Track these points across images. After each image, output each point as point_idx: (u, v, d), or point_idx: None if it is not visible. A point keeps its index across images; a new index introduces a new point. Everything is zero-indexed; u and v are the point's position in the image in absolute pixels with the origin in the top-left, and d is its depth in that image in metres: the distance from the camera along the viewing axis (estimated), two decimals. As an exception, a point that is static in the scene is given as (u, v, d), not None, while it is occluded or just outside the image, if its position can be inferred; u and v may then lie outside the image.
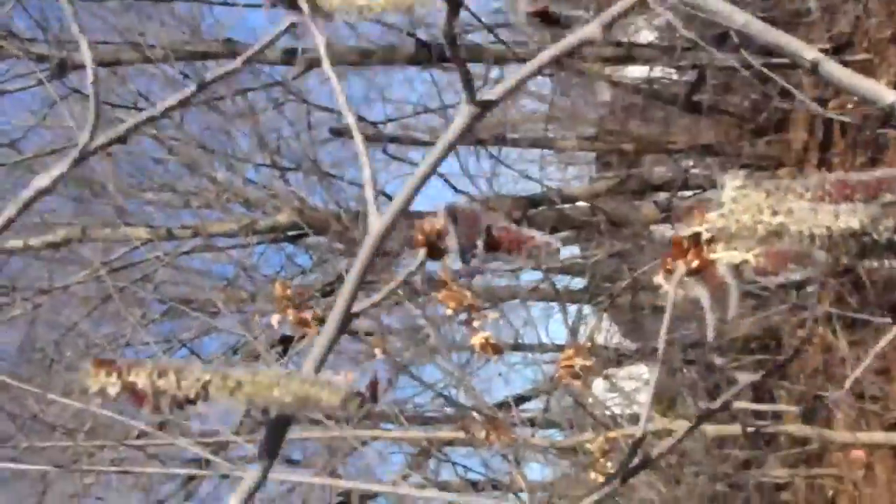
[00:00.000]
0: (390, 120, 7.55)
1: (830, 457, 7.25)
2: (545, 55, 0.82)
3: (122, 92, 7.91)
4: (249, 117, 7.69)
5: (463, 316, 3.16)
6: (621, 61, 7.75)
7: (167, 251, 7.83)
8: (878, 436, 5.71)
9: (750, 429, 5.93)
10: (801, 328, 7.64)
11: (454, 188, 7.86)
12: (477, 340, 3.18)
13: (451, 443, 7.11)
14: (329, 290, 8.16)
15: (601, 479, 3.75)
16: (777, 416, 7.15)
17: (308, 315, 2.84)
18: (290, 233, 8.17)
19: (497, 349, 3.26)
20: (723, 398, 1.22)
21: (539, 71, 0.85)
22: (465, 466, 6.93)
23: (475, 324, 3.17)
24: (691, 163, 8.23)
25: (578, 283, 9.12)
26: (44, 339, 7.76)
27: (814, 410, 7.26)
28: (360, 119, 7.36)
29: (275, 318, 2.85)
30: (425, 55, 7.25)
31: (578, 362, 3.27)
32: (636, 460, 1.01)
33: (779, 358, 8.10)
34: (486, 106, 0.87)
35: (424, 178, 0.80)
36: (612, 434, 3.41)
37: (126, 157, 8.38)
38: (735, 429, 5.84)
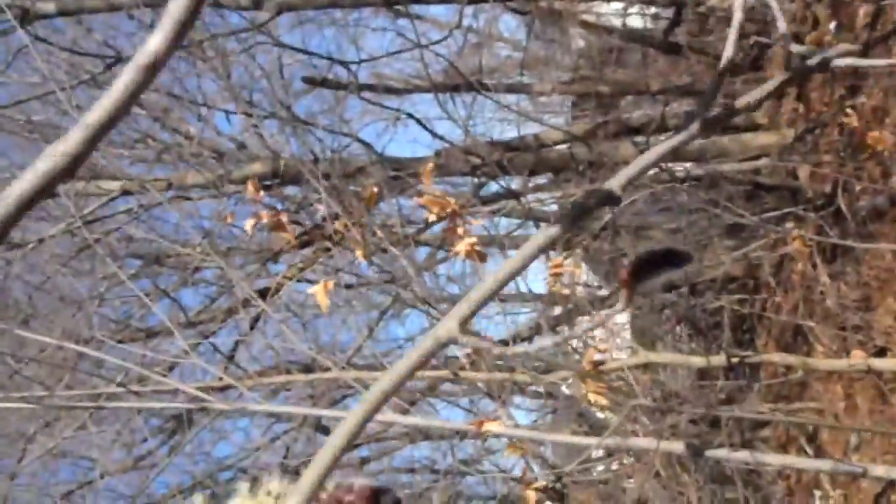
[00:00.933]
0: (363, 60, 7.42)
1: (811, 392, 7.28)
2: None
3: (89, 43, 7.74)
4: (220, 64, 7.54)
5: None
6: (597, -2, 7.67)
7: (141, 204, 7.69)
8: (861, 364, 5.69)
9: (734, 359, 5.92)
10: (781, 265, 7.66)
11: (432, 133, 7.77)
12: (462, 246, 3.11)
13: (434, 389, 7.11)
14: (306, 241, 8.07)
15: (593, 396, 3.72)
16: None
17: (283, 217, 2.77)
18: (265, 182, 8.04)
19: (482, 256, 3.20)
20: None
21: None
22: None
23: (459, 230, 3.10)
24: (669, 104, 8.17)
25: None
26: (17, 294, 7.63)
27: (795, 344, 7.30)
28: (334, 61, 7.25)
29: (249, 223, 2.76)
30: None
31: (567, 269, 3.21)
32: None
33: (758, 297, 8.13)
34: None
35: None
36: (602, 347, 3.36)
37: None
38: (720, 360, 5.84)
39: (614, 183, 0.60)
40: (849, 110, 5.39)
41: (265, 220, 2.72)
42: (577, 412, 8.29)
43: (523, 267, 0.53)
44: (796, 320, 6.89)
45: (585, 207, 0.55)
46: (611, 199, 0.60)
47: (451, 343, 0.52)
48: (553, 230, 0.52)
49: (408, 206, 7.43)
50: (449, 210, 3.06)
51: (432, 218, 3.07)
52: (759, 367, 7.77)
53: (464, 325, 0.51)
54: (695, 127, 0.63)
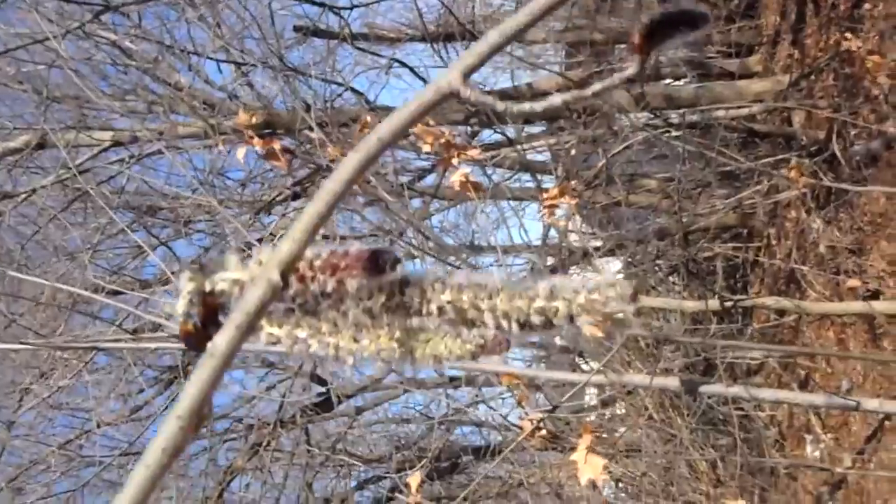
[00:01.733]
0: (355, 6, 7.34)
1: (803, 338, 7.32)
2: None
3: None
4: (210, 13, 7.46)
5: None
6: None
7: (132, 154, 7.64)
8: (855, 305, 5.74)
9: (728, 303, 5.95)
10: (775, 212, 7.66)
11: (425, 82, 7.71)
12: (456, 178, 3.10)
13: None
14: (298, 192, 8.05)
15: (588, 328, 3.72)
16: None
17: (276, 145, 2.74)
18: (258, 133, 7.99)
19: (477, 187, 3.19)
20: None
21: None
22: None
23: (453, 161, 3.09)
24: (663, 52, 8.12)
25: (550, 180, 9.07)
26: (10, 245, 7.61)
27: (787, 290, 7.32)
28: (326, 7, 7.16)
29: (240, 151, 2.74)
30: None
31: (563, 201, 3.20)
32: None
33: (752, 244, 8.14)
34: None
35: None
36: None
37: (85, 64, 8.15)
38: (714, 304, 5.86)
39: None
40: (847, 34, 5.35)
41: (258, 147, 2.69)
42: (571, 362, 8.34)
43: (530, 24, 0.51)
44: (790, 265, 6.90)
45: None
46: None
47: (453, 95, 0.51)
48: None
49: (402, 156, 7.40)
50: (443, 140, 3.05)
51: (426, 149, 3.05)
52: (751, 315, 7.80)
53: (467, 76, 0.50)
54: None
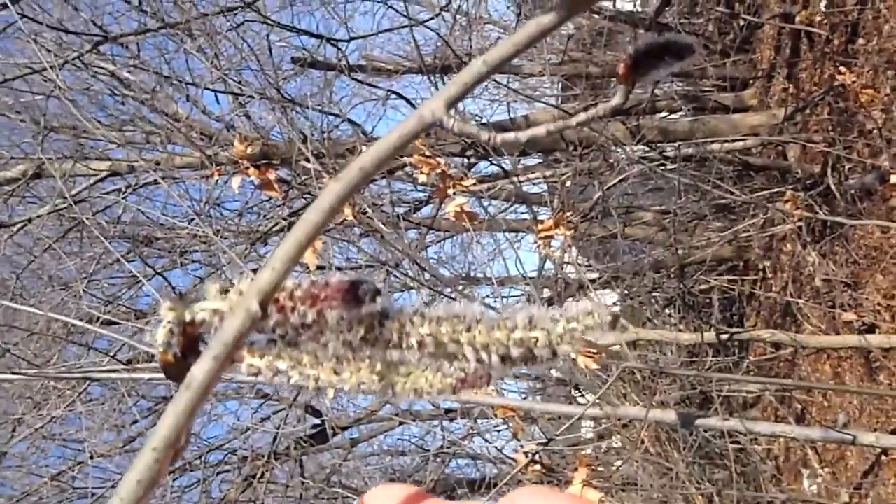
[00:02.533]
0: (353, 38, 7.38)
1: (799, 371, 7.31)
2: None
3: (76, 21, 7.69)
4: (209, 44, 7.50)
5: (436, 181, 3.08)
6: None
7: (129, 184, 7.65)
8: (851, 339, 5.72)
9: (724, 336, 5.94)
10: (771, 245, 7.67)
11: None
12: (452, 208, 3.10)
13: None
14: (295, 222, 8.04)
15: (583, 360, 3.71)
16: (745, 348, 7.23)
17: (271, 175, 2.74)
18: (254, 163, 8.01)
19: (471, 216, 3.19)
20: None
21: None
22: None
23: (449, 192, 3.09)
24: (658, 85, 8.16)
25: (546, 212, 9.10)
26: (5, 275, 7.59)
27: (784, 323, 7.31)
28: (323, 39, 7.21)
29: (236, 181, 2.74)
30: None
31: (558, 233, 3.20)
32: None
33: (747, 277, 8.15)
34: None
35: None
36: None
37: (83, 94, 8.19)
38: (710, 336, 5.85)
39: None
40: (841, 68, 5.39)
41: (253, 177, 2.69)
42: (567, 395, 8.30)
43: (514, 54, 0.51)
44: (786, 299, 6.90)
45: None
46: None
47: (437, 124, 0.51)
48: (547, 19, 0.50)
49: (398, 187, 7.42)
50: (439, 170, 3.05)
51: (423, 178, 3.05)
52: (748, 348, 7.79)
53: (451, 106, 0.50)
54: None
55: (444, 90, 0.50)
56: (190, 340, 0.52)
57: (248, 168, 2.69)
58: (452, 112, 0.50)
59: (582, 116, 0.55)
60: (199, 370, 0.46)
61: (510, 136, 0.54)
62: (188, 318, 0.52)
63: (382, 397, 0.56)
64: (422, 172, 2.96)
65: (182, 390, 0.45)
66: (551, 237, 3.13)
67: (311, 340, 0.54)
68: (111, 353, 5.62)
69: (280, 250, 0.47)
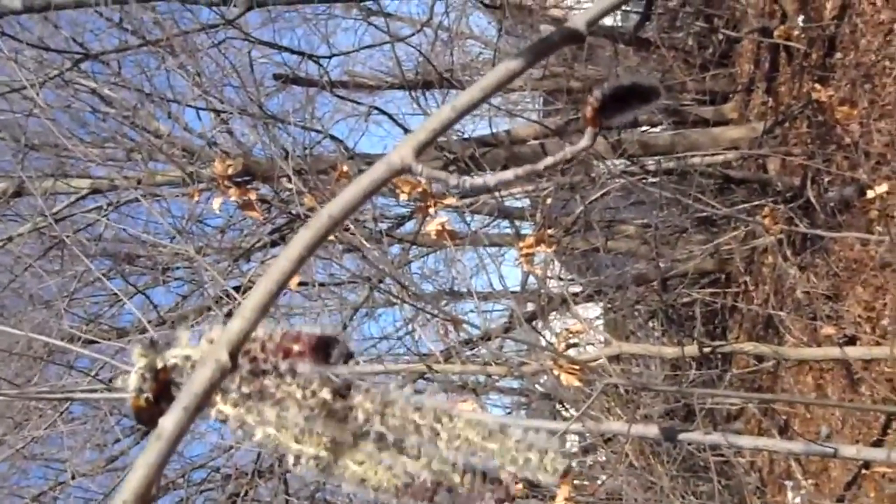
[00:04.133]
0: (334, 55, 7.40)
1: (782, 383, 7.34)
2: None
3: (56, 39, 7.67)
4: (190, 61, 7.50)
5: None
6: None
7: (111, 202, 7.62)
8: (832, 351, 5.75)
9: (706, 349, 5.96)
10: (752, 258, 7.71)
11: (404, 129, 7.77)
12: (433, 227, 3.10)
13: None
14: (279, 238, 8.04)
15: (566, 378, 3.72)
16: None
17: (252, 196, 2.74)
18: (236, 180, 7.98)
19: (453, 235, 3.20)
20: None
21: None
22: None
23: (430, 210, 3.10)
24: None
25: (529, 226, 9.11)
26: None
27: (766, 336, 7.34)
28: (305, 56, 7.22)
29: (216, 201, 2.73)
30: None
31: (539, 250, 3.21)
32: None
33: (729, 290, 8.18)
34: None
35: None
36: (575, 328, 3.36)
37: (64, 111, 8.15)
38: (693, 349, 5.86)
39: (579, 20, 0.59)
40: (817, 85, 5.44)
41: (233, 198, 2.69)
42: (552, 409, 8.31)
43: (482, 99, 0.52)
44: (767, 311, 6.93)
45: (549, 42, 0.54)
46: (575, 37, 0.59)
47: (405, 171, 0.51)
48: (514, 63, 0.51)
49: (381, 203, 7.41)
50: (420, 189, 3.06)
51: (404, 197, 3.05)
52: (731, 360, 7.81)
53: (419, 152, 0.50)
54: None
55: (413, 136, 0.50)
56: (162, 386, 0.52)
57: (228, 188, 2.69)
58: (421, 158, 0.51)
59: (549, 160, 0.55)
60: (170, 421, 0.46)
61: (479, 180, 0.54)
62: (160, 364, 0.53)
63: (327, 479, 0.57)
64: (402, 192, 2.97)
65: (152, 441, 0.46)
66: (533, 254, 3.13)
67: (278, 405, 0.54)
68: (92, 373, 5.58)
69: (250, 300, 0.48)
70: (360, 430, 0.57)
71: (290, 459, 0.57)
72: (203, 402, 0.46)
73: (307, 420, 0.56)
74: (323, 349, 0.53)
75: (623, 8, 8.51)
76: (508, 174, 0.55)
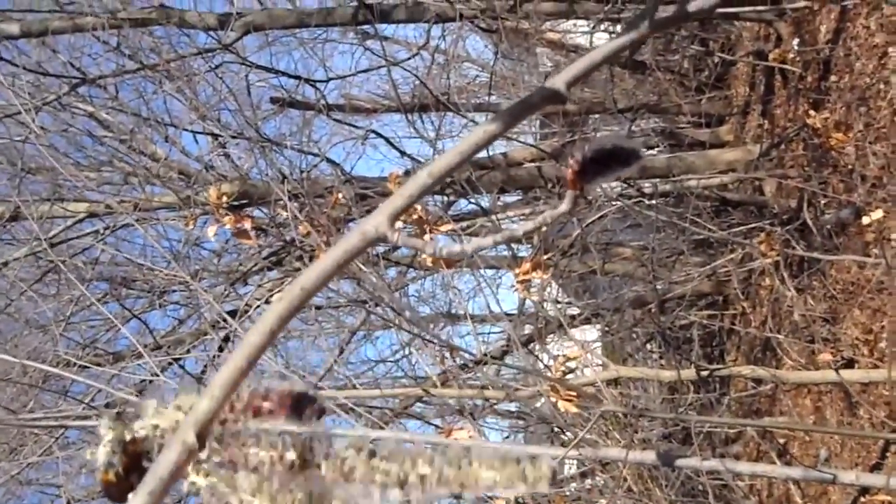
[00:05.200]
0: (331, 79, 7.42)
1: (780, 406, 7.31)
2: None
3: (54, 63, 7.69)
4: (187, 85, 7.51)
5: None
6: (563, 16, 7.73)
7: (108, 226, 7.62)
8: (829, 374, 5.73)
9: (704, 373, 5.94)
10: (749, 280, 7.70)
11: (401, 152, 7.78)
12: (428, 254, 3.09)
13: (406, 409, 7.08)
14: (275, 262, 8.03)
15: (563, 404, 3.70)
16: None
17: (247, 224, 2.73)
18: (233, 203, 7.99)
19: (448, 262, 3.19)
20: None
21: None
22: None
23: (426, 237, 3.09)
24: (635, 121, 8.23)
25: (526, 249, 9.10)
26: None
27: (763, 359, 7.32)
28: (301, 80, 7.24)
29: (211, 229, 2.72)
30: (365, 16, 7.14)
31: (536, 276, 3.20)
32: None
33: (727, 312, 8.17)
34: None
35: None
36: (572, 354, 3.34)
37: (61, 135, 8.16)
38: (690, 373, 5.85)
39: (559, 80, 0.58)
40: (811, 111, 5.45)
41: (228, 226, 2.68)
42: (550, 432, 8.27)
43: (460, 163, 0.51)
44: (765, 334, 6.91)
45: (528, 104, 0.53)
46: (556, 98, 0.58)
47: (380, 240, 0.50)
48: (493, 126, 0.50)
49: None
50: (416, 216, 3.05)
51: (399, 224, 3.03)
52: (729, 383, 7.79)
53: (393, 220, 0.49)
54: (645, 25, 0.60)
55: (389, 204, 0.49)
56: (132, 458, 0.51)
57: (224, 216, 2.68)
58: (397, 225, 0.50)
59: (529, 225, 0.55)
60: (135, 506, 0.45)
61: (456, 248, 0.53)
62: (128, 436, 0.51)
63: None
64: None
65: (117, 528, 0.44)
66: (530, 280, 3.13)
67: (250, 470, 0.53)
68: (87, 400, 5.55)
69: (219, 377, 0.47)
70: (343, 479, 0.55)
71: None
72: (169, 485, 0.45)
73: (280, 482, 0.55)
74: (295, 406, 0.52)
75: (619, 30, 8.54)
76: (487, 241, 0.54)
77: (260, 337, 0.46)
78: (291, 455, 0.54)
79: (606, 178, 0.57)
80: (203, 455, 0.49)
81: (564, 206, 0.56)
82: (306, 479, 0.54)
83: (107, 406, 5.64)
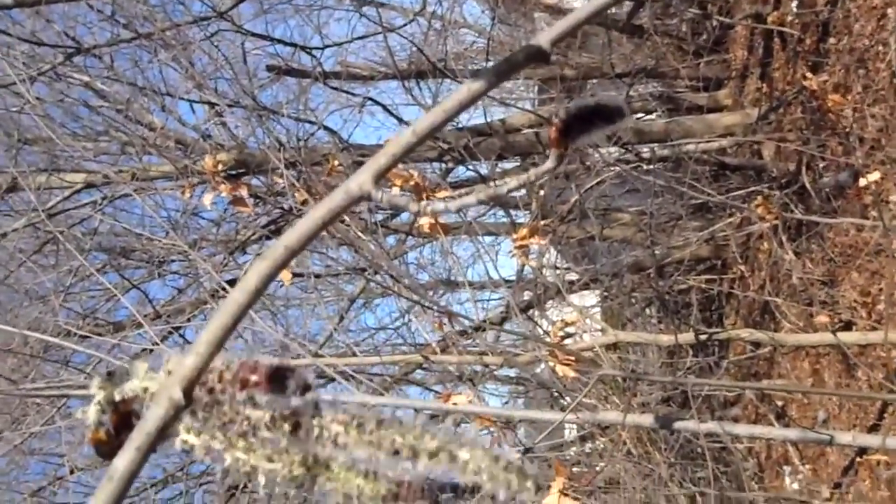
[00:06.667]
0: (327, 46, 7.38)
1: (779, 369, 7.34)
2: None
3: (48, 33, 7.63)
4: (183, 54, 7.47)
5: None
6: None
7: (105, 196, 7.60)
8: (827, 337, 5.75)
9: (703, 336, 5.96)
10: (747, 244, 7.71)
11: (399, 119, 7.75)
12: (425, 221, 3.09)
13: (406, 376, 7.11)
14: (273, 230, 8.02)
15: (561, 368, 3.71)
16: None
17: (243, 191, 2.73)
18: (230, 172, 7.97)
19: (445, 228, 3.19)
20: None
21: None
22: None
23: (422, 203, 3.08)
24: (633, 86, 8.20)
25: (524, 215, 9.10)
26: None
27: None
28: (298, 47, 7.19)
29: (207, 197, 2.72)
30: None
31: (533, 242, 3.20)
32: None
33: (725, 276, 8.18)
34: None
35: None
36: (570, 319, 3.35)
37: (57, 106, 8.13)
38: (688, 337, 5.87)
39: (543, 38, 0.58)
40: (808, 74, 5.43)
41: (225, 194, 2.68)
42: (549, 397, 8.31)
43: (444, 121, 0.51)
44: (763, 297, 6.93)
45: (513, 62, 0.53)
46: (540, 55, 0.58)
47: (364, 198, 0.50)
48: (477, 84, 0.50)
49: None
50: (412, 182, 3.05)
51: (396, 190, 3.04)
52: (727, 347, 7.82)
53: (378, 178, 0.50)
54: None
55: (373, 162, 0.50)
56: (122, 417, 0.52)
57: (220, 184, 2.68)
58: (380, 184, 0.50)
59: (513, 183, 0.55)
60: (122, 461, 0.45)
61: (440, 205, 0.54)
62: (118, 397, 0.52)
63: (311, 494, 0.56)
64: (395, 184, 2.96)
65: (104, 482, 0.45)
66: (527, 246, 3.13)
67: (243, 430, 0.53)
68: (88, 369, 5.58)
69: (205, 335, 0.47)
70: (332, 453, 0.56)
71: (262, 480, 0.57)
72: (157, 441, 0.46)
73: (276, 442, 0.55)
74: (279, 380, 0.53)
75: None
76: (471, 198, 0.55)
77: (244, 295, 0.46)
78: (283, 418, 0.54)
79: (591, 135, 0.57)
80: (195, 415, 0.50)
81: (549, 164, 0.56)
82: (300, 440, 0.55)
83: (108, 375, 5.66)
